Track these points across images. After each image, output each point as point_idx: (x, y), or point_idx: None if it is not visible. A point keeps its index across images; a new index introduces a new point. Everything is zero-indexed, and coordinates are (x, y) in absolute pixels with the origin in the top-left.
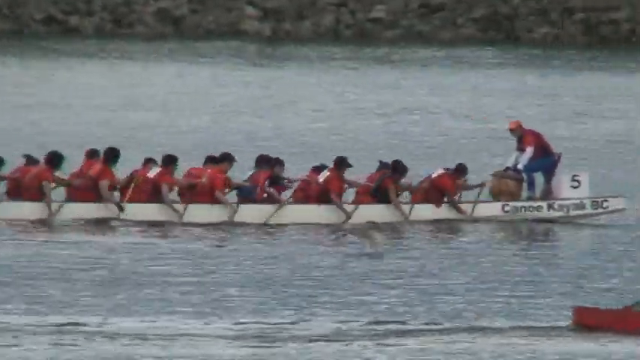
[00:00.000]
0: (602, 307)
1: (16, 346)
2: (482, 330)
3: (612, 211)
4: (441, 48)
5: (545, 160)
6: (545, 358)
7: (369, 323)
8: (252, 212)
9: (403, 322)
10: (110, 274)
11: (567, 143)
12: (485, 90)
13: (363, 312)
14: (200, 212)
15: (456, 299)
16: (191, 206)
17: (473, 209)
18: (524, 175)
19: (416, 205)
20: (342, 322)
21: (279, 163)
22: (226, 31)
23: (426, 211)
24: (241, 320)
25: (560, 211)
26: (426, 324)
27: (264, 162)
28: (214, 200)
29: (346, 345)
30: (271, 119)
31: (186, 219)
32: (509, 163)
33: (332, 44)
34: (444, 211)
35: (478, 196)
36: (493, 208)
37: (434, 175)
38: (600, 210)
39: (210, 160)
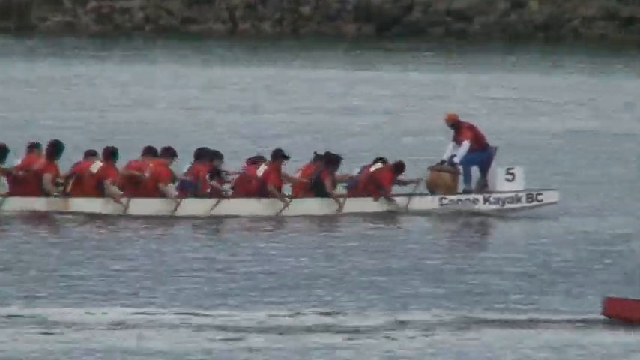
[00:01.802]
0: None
1: None
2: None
3: (546, 204)
4: None
5: (482, 153)
6: None
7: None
8: (195, 206)
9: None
10: (57, 266)
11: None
12: None
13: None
14: (144, 206)
15: (394, 290)
16: (135, 200)
17: (408, 202)
18: (461, 168)
19: (351, 199)
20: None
21: (217, 156)
22: None
23: (362, 204)
24: (196, 311)
25: (495, 204)
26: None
27: (203, 155)
28: (158, 193)
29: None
30: None
31: (130, 212)
32: (445, 156)
33: None
34: (380, 205)
35: (414, 189)
36: (430, 202)
37: (372, 169)
38: (535, 203)
39: (150, 152)
